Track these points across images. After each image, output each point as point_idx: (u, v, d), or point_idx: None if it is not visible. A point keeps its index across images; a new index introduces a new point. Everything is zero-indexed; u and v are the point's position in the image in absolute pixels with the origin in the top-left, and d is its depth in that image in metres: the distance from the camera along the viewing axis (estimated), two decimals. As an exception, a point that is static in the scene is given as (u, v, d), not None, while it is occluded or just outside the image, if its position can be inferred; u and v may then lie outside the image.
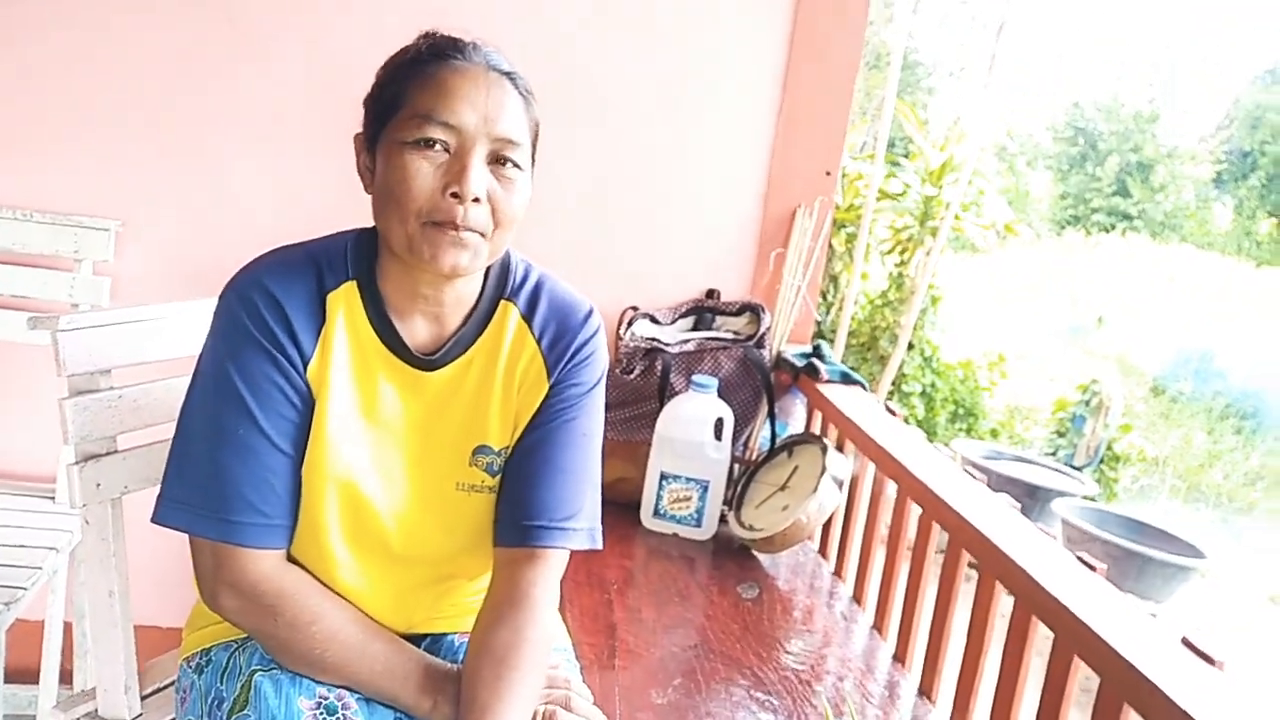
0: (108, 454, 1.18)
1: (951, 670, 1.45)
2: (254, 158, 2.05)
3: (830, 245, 5.47)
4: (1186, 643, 1.03)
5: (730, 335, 2.15)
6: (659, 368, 2.06)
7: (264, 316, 0.96)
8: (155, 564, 1.87)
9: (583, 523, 1.07)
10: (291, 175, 2.07)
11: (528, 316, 1.08)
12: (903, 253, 5.82)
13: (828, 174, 2.19)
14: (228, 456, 0.95)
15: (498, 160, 0.96)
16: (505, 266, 1.09)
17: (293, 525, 1.00)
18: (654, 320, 2.18)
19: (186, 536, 0.98)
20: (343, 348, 1.00)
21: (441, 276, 0.97)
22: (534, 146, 1.02)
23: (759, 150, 2.19)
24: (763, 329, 2.10)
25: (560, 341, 1.08)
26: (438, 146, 0.94)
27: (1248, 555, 5.33)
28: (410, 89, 0.96)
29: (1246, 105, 16.40)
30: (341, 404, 1.00)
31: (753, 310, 2.16)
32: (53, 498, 1.93)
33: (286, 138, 2.06)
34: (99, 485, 1.16)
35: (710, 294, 2.23)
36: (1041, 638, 1.23)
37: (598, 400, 1.12)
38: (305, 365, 0.98)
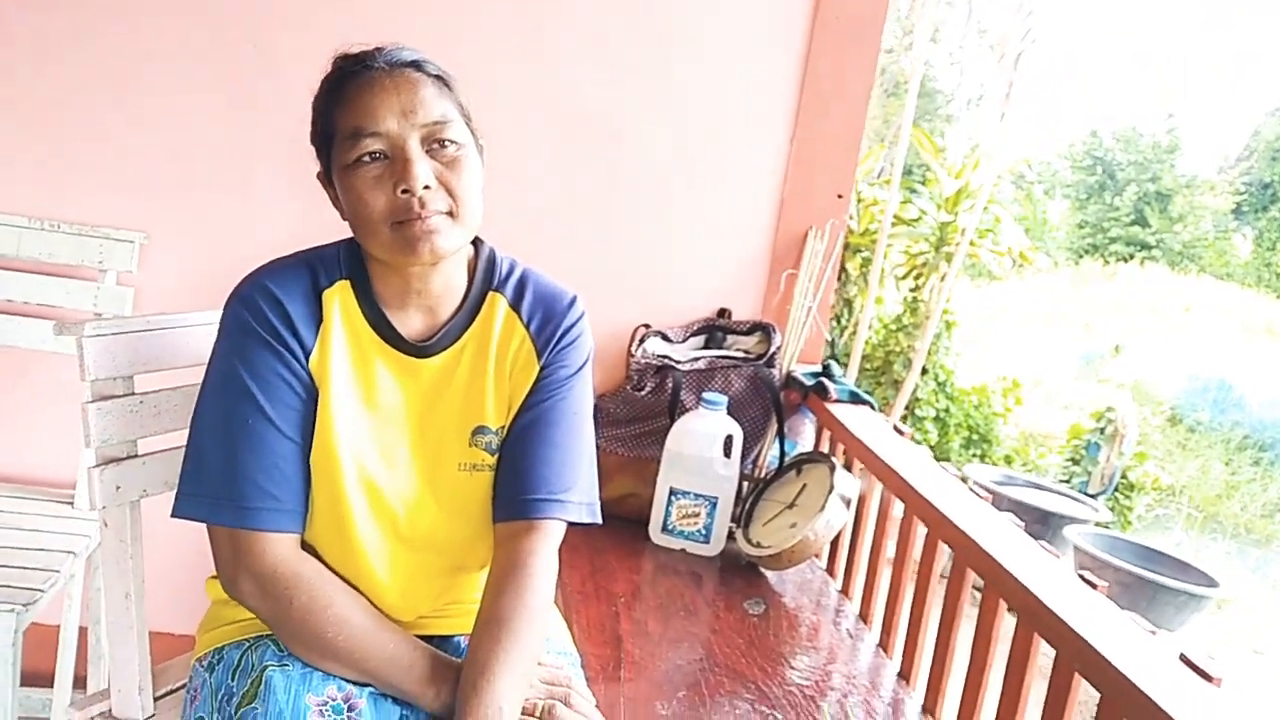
0: (128, 458, 1.21)
1: (956, 688, 1.46)
2: (275, 175, 2.10)
3: (845, 269, 5.49)
4: (1185, 660, 1.04)
5: (741, 354, 2.17)
6: (669, 385, 2.08)
7: (266, 314, 1.02)
8: (170, 571, 1.90)
9: (578, 496, 1.11)
10: (311, 192, 2.10)
11: (515, 305, 1.13)
12: (918, 278, 5.84)
13: (840, 197, 2.21)
14: (239, 447, 1.00)
15: (435, 143, 1.01)
16: (491, 262, 1.15)
17: (304, 510, 1.05)
18: (665, 338, 2.20)
19: (200, 541, 1.02)
20: (340, 340, 1.06)
21: (426, 265, 1.03)
22: (467, 118, 1.07)
23: (772, 173, 2.22)
24: (773, 348, 2.12)
25: (548, 326, 1.13)
26: (377, 156, 1.00)
27: (1265, 588, 5.27)
28: (335, 116, 1.04)
29: (1266, 137, 16.35)
30: (343, 393, 1.05)
31: (763, 330, 2.18)
32: (71, 503, 1.96)
33: (306, 155, 2.09)
34: (118, 488, 1.18)
35: (722, 313, 2.25)
36: (1043, 656, 1.24)
37: (586, 382, 1.18)
38: (307, 357, 1.04)
